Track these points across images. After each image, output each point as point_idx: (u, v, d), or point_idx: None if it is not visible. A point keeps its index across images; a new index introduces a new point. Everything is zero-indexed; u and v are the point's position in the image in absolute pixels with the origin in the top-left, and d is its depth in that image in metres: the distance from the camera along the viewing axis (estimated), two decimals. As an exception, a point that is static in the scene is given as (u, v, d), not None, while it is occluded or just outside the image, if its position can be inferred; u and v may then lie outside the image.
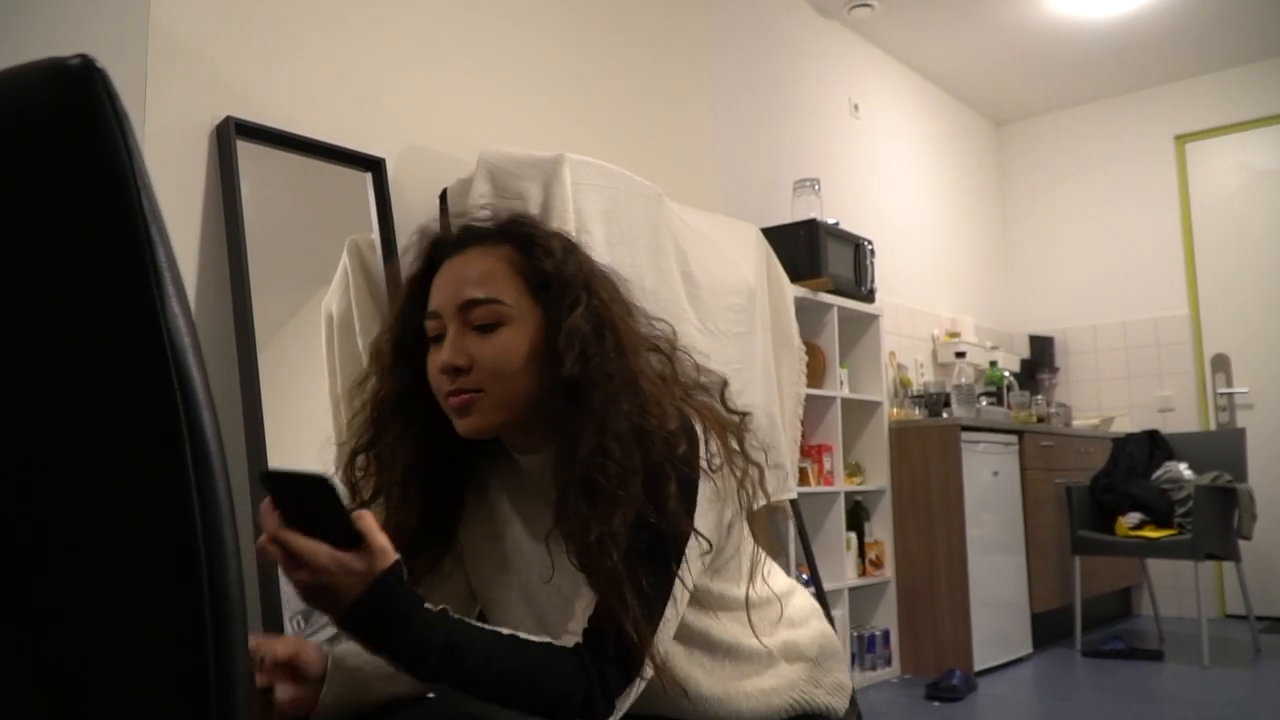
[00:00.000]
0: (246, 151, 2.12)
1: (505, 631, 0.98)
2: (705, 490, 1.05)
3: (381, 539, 0.91)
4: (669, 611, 1.01)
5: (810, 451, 3.55)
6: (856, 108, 4.56)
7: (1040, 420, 4.74)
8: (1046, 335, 5.52)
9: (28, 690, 0.62)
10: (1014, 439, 4.17)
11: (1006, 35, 4.72)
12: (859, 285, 3.78)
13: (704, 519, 1.04)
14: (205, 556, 0.58)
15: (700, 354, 1.19)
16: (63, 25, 1.95)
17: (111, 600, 0.60)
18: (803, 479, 3.40)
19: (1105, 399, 5.43)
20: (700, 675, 1.11)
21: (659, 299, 2.53)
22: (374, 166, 2.37)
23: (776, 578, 1.24)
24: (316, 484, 0.88)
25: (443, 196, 2.47)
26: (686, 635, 1.10)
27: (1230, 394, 5.08)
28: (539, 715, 0.95)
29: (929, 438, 3.86)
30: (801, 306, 3.43)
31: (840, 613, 3.47)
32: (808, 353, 3.35)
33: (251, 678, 1.00)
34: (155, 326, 0.57)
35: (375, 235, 2.34)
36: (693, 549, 1.03)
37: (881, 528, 3.90)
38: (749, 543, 1.18)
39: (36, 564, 0.61)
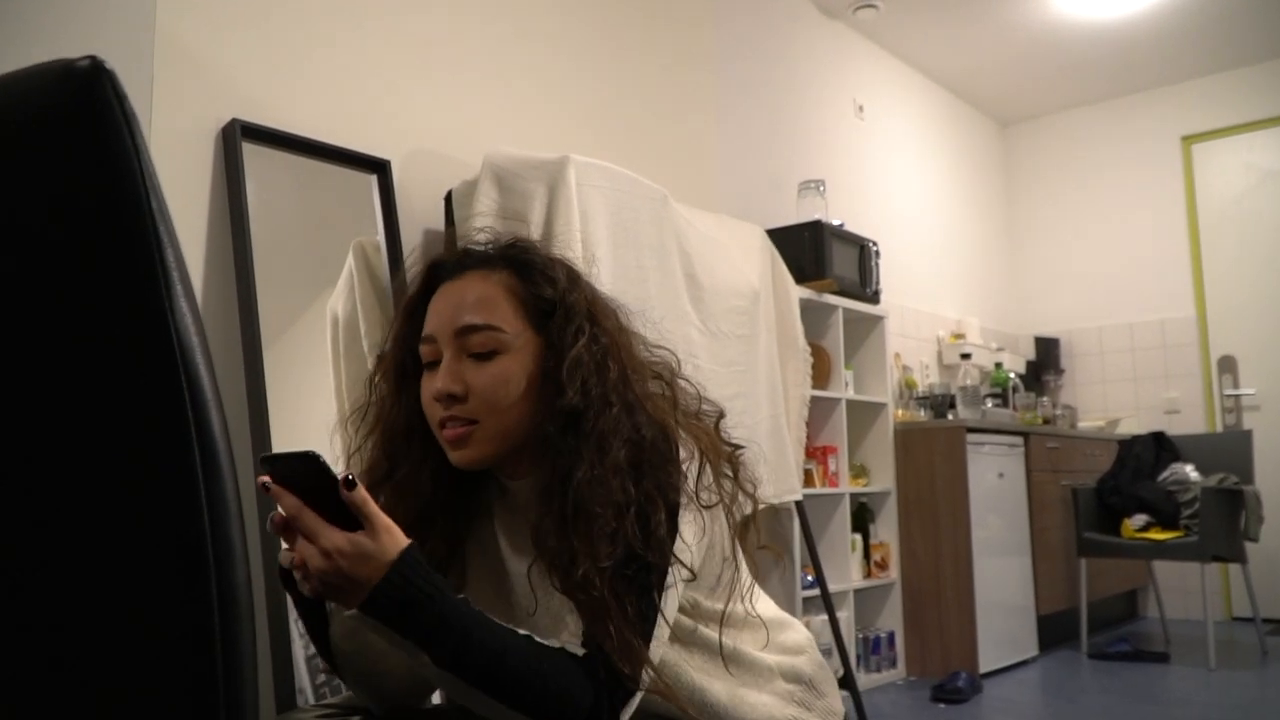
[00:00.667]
0: (252, 154, 2.12)
1: (521, 631, 0.98)
2: (695, 518, 1.05)
3: (384, 517, 0.90)
4: (659, 631, 1.01)
5: (815, 453, 3.55)
6: (861, 109, 4.56)
7: (1046, 422, 4.73)
8: (1052, 337, 5.51)
9: (34, 688, 0.62)
10: (1019, 441, 4.16)
11: (1012, 36, 4.72)
12: (864, 287, 3.78)
13: (692, 546, 1.05)
14: (213, 557, 0.58)
15: (696, 360, 1.20)
16: (69, 28, 1.96)
17: (119, 600, 0.60)
18: (808, 480, 3.39)
19: (1111, 401, 5.42)
20: (706, 681, 1.11)
21: (662, 301, 2.53)
22: (379, 169, 2.38)
23: (765, 606, 1.24)
24: (308, 461, 0.86)
25: (448, 198, 2.47)
26: (694, 641, 1.11)
27: (1237, 396, 5.06)
28: (546, 718, 0.94)
29: (934, 439, 3.85)
30: (806, 308, 3.43)
31: (845, 614, 3.47)
32: (813, 354, 3.35)
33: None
34: (164, 327, 0.57)
35: (380, 237, 2.34)
36: (676, 572, 1.02)
37: (887, 529, 3.89)
38: (743, 570, 1.18)
39: (43, 563, 0.61)
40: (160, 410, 0.58)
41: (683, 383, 1.16)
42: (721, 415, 1.18)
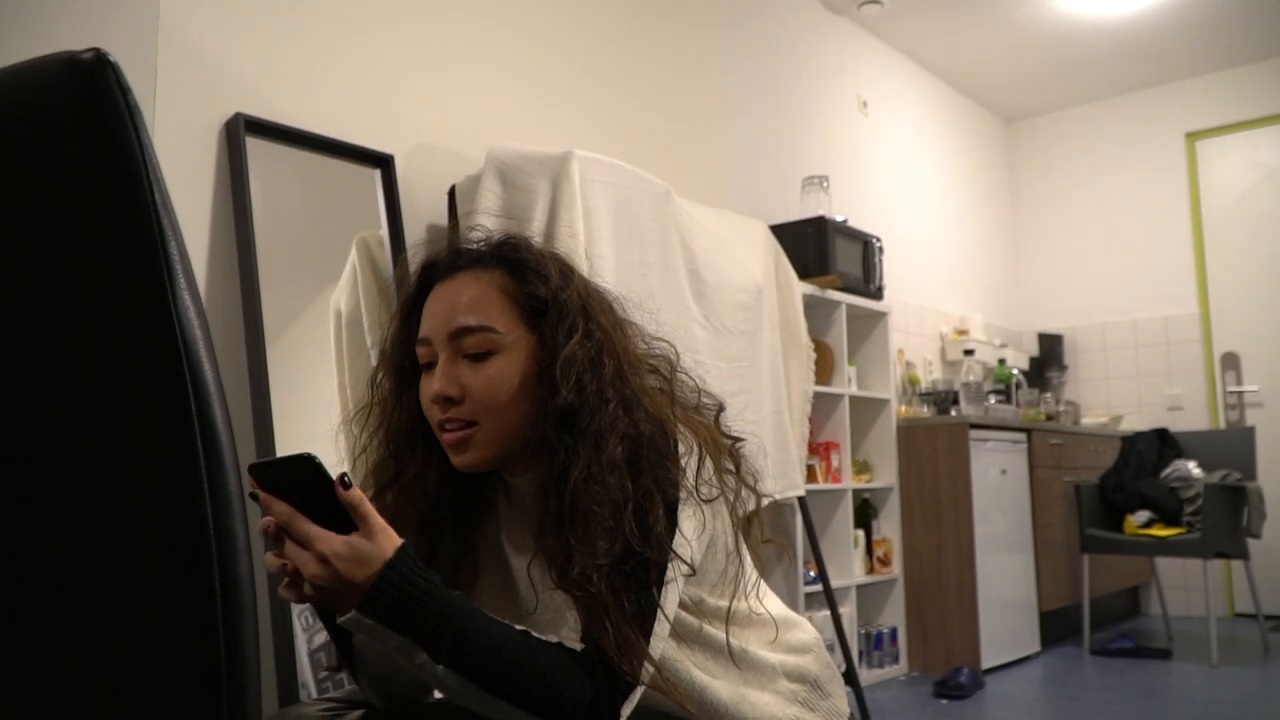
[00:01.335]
0: (256, 148, 2.12)
1: (519, 627, 0.98)
2: (695, 513, 1.05)
3: (378, 517, 0.90)
4: (659, 627, 1.00)
5: (818, 449, 3.54)
6: (865, 104, 4.55)
7: (1049, 418, 4.73)
8: (1055, 333, 5.50)
9: (39, 678, 0.62)
10: (1023, 437, 4.16)
11: (1016, 32, 4.70)
12: (867, 283, 3.77)
13: (692, 541, 1.04)
14: (216, 549, 0.58)
15: (699, 356, 1.19)
16: (72, 20, 1.96)
17: (122, 591, 0.60)
18: (810, 476, 3.39)
19: (1114, 397, 5.41)
20: (708, 679, 1.11)
21: (665, 296, 2.53)
22: (383, 163, 2.38)
23: (772, 603, 1.24)
24: (302, 465, 0.86)
25: (451, 193, 2.47)
26: (698, 640, 1.11)
27: (1240, 392, 5.05)
28: (545, 715, 0.94)
29: (937, 435, 3.85)
30: (810, 304, 3.43)
31: (848, 610, 3.47)
32: (816, 350, 3.35)
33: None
34: (168, 320, 0.57)
35: (384, 232, 2.34)
36: (676, 568, 1.02)
37: (889, 525, 3.89)
38: (747, 564, 1.17)
39: (46, 554, 0.61)
40: (163, 403, 0.58)
41: (682, 376, 1.15)
42: (721, 408, 1.17)
